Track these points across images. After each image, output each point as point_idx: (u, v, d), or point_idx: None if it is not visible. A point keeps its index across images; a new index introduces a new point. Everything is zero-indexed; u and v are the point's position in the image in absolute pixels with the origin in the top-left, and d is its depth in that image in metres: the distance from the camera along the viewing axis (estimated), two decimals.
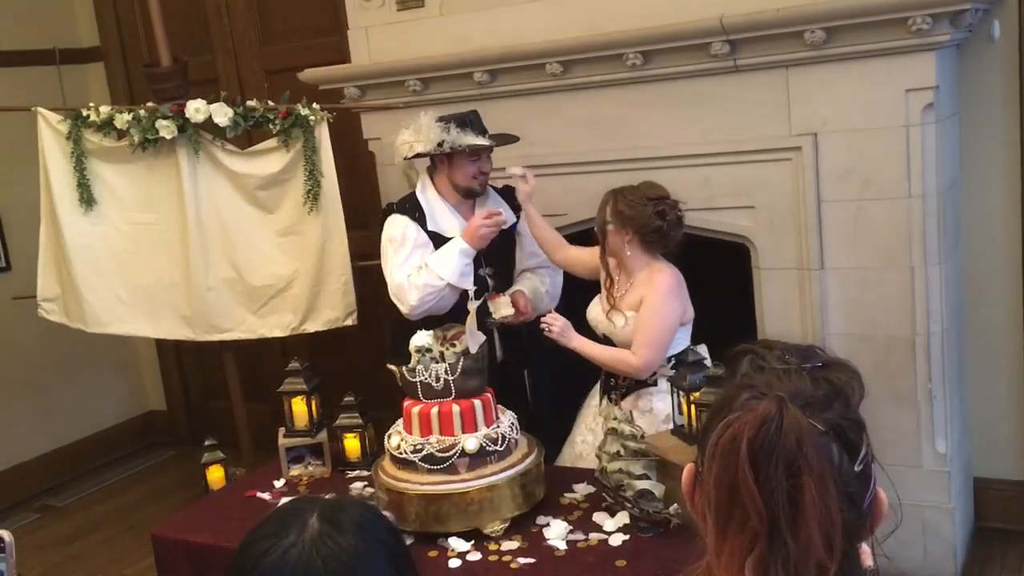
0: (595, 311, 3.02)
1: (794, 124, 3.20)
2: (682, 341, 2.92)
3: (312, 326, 3.83)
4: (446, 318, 2.99)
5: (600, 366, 2.96)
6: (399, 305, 3.15)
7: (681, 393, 2.55)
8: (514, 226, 3.30)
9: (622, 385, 2.99)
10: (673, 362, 2.91)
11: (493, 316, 2.97)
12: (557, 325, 2.92)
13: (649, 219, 2.84)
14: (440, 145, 3.07)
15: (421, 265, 3.10)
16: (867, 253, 3.19)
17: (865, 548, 1.05)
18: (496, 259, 3.24)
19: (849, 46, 3.03)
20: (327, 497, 1.06)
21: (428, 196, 3.22)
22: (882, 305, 3.19)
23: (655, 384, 2.93)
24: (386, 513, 1.07)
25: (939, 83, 3.01)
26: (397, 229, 3.17)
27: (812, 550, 0.93)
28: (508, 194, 3.31)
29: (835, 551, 0.93)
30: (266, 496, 2.92)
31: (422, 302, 3.08)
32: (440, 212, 3.20)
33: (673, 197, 2.91)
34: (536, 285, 3.27)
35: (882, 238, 3.15)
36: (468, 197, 3.20)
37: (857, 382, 1.02)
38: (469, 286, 3.06)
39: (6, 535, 0.93)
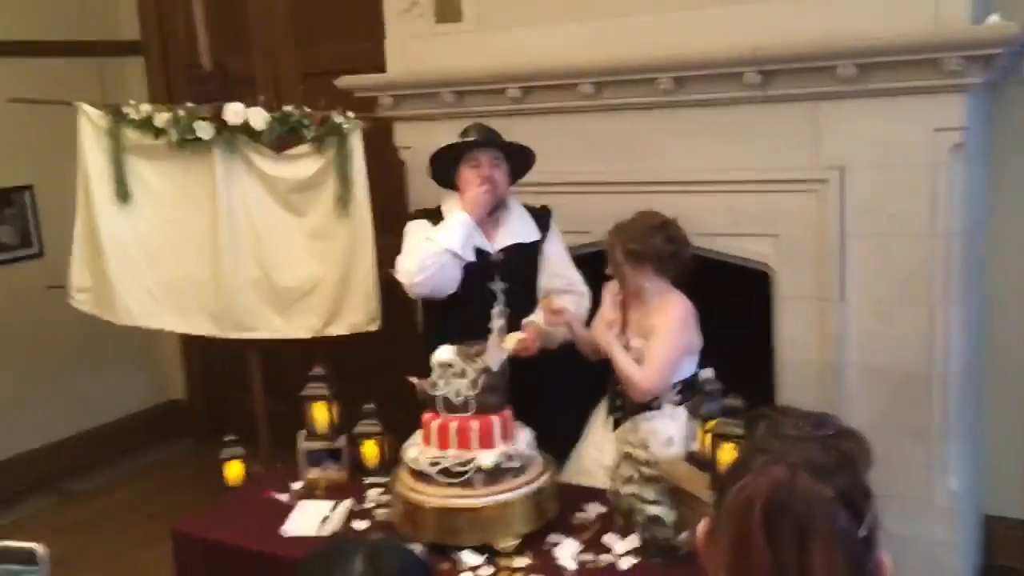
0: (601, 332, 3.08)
1: (822, 156, 3.22)
2: (688, 369, 3.00)
3: (335, 330, 3.89)
4: (470, 319, 2.91)
5: (616, 371, 2.99)
6: (401, 279, 3.16)
7: (697, 421, 2.59)
8: (538, 244, 3.31)
9: (627, 405, 3.04)
10: (679, 387, 2.97)
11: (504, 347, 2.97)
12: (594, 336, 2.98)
13: (662, 247, 2.94)
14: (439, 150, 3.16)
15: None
16: (888, 288, 3.21)
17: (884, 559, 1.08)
18: (512, 275, 3.23)
19: (880, 83, 3.05)
20: (369, 540, 1.10)
21: (451, 208, 3.26)
22: (901, 340, 3.21)
23: (659, 408, 2.99)
24: (417, 549, 1.10)
25: (968, 124, 3.03)
26: (411, 227, 3.28)
27: None
28: (536, 212, 3.34)
29: None
30: (283, 498, 2.98)
31: (422, 267, 3.07)
32: None
33: (668, 216, 3.00)
34: None
35: (904, 274, 3.17)
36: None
37: (867, 452, 1.08)
38: (470, 256, 3.11)
39: (40, 548, 0.97)
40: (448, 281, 3.13)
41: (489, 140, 3.22)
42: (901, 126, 3.09)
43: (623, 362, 2.95)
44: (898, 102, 3.08)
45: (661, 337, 2.92)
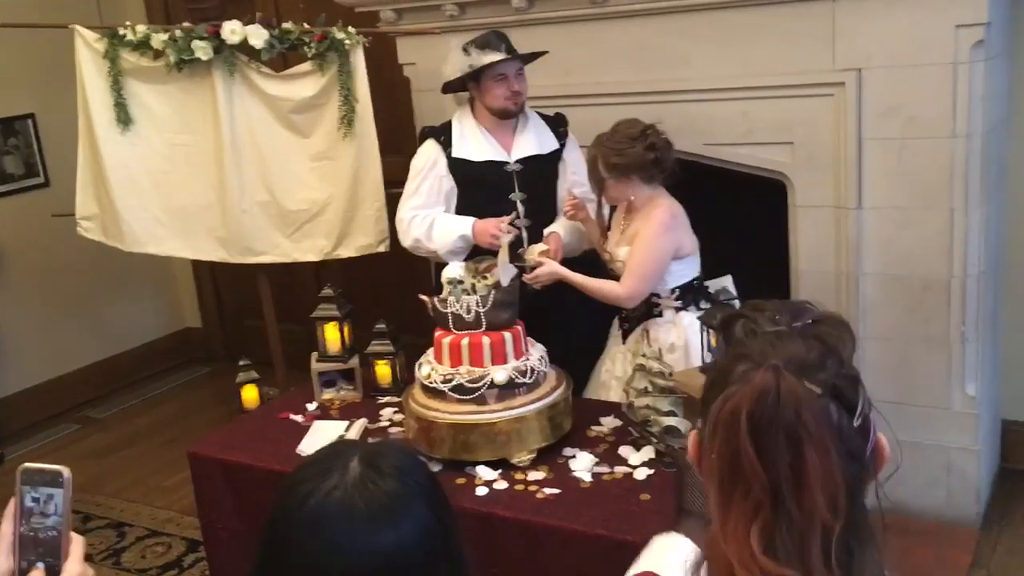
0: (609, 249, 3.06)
1: (838, 58, 3.12)
2: (685, 274, 2.97)
3: (345, 252, 3.85)
4: (480, 250, 2.99)
5: (589, 295, 2.98)
6: (399, 236, 3.30)
7: (711, 332, 2.56)
8: (557, 153, 3.27)
9: (631, 317, 3.05)
10: (678, 293, 2.97)
11: (527, 259, 2.96)
12: (543, 273, 2.93)
13: (643, 156, 2.87)
14: (464, 73, 3.08)
15: (425, 204, 3.18)
16: (907, 193, 3.14)
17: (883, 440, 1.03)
18: (532, 185, 3.21)
19: None
20: (367, 441, 1.08)
21: (463, 122, 3.22)
22: (919, 246, 3.16)
23: (660, 316, 2.99)
24: (421, 456, 1.08)
25: (991, 20, 2.92)
26: (419, 157, 3.24)
27: (816, 513, 0.94)
28: (553, 121, 3.29)
29: (839, 510, 0.94)
30: (299, 418, 2.98)
31: (414, 248, 3.26)
32: (472, 137, 3.20)
33: (646, 122, 2.93)
34: (577, 224, 3.20)
35: (923, 178, 3.10)
36: (506, 117, 3.17)
37: (848, 335, 1.02)
38: (459, 260, 3.04)
39: (65, 471, 0.98)
40: (441, 260, 3.17)
41: (516, 54, 3.13)
42: (921, 24, 2.98)
43: (588, 284, 2.95)
44: None
45: (640, 243, 2.89)
